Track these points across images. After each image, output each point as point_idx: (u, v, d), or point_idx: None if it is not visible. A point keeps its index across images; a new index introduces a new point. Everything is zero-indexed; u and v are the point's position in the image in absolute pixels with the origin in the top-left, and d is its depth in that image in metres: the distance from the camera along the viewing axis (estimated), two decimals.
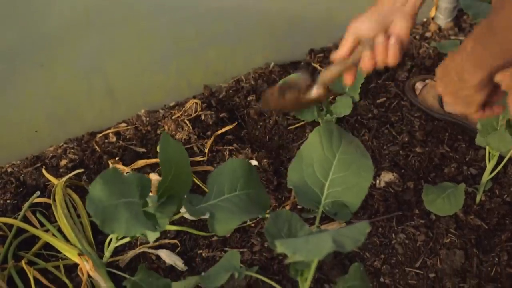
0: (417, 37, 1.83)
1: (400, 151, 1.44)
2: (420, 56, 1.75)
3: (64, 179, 1.32)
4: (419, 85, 1.58)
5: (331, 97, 1.45)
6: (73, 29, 1.42)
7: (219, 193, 1.06)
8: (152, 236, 0.99)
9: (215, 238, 1.26)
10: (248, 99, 1.62)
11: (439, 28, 1.87)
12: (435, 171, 1.40)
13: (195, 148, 1.48)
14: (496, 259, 1.21)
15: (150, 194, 1.02)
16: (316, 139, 1.06)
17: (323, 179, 1.05)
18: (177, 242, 1.25)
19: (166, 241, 1.25)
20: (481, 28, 0.84)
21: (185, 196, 1.06)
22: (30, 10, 1.34)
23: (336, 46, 1.76)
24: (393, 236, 1.26)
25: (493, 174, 1.26)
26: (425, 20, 1.92)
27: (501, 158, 1.22)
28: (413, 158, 1.42)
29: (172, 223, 1.24)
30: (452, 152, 1.44)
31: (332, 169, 1.06)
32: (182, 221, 1.27)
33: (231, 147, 1.46)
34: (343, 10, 1.75)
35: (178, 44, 1.60)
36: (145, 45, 1.55)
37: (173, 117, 1.56)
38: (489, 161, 1.24)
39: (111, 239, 1.13)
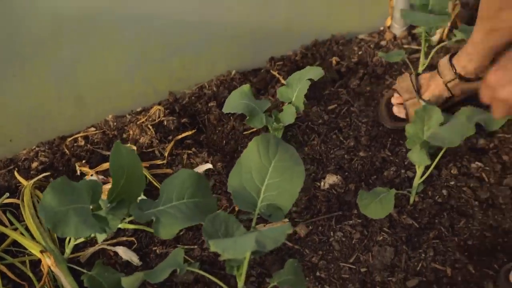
0: (372, 45, 1.95)
1: (345, 155, 1.56)
2: (373, 64, 1.86)
3: (32, 181, 1.44)
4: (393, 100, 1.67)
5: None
6: (45, 40, 1.53)
7: (168, 200, 1.18)
8: (100, 237, 1.11)
9: None
10: (210, 105, 1.73)
11: (394, 37, 1.98)
12: (376, 174, 1.52)
13: (157, 152, 1.60)
14: (423, 255, 1.33)
15: (104, 198, 1.14)
16: (254, 148, 1.18)
17: (259, 184, 1.17)
18: (134, 239, 1.37)
19: (124, 238, 1.38)
20: None
21: (137, 201, 1.19)
22: (2, 23, 1.45)
23: (295, 54, 1.89)
24: (332, 234, 1.38)
25: (423, 178, 1.39)
26: (381, 28, 2.04)
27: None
28: (357, 161, 1.54)
29: (131, 222, 1.36)
30: (392, 156, 1.55)
31: (268, 175, 1.17)
32: None
33: (189, 151, 1.58)
34: (300, 20, 1.88)
35: (145, 54, 1.71)
36: (113, 54, 1.66)
37: (138, 122, 1.67)
38: (418, 167, 1.37)
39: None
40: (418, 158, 1.29)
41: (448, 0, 1.64)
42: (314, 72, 1.46)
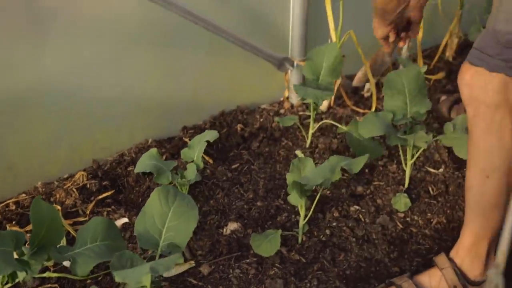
0: (272, 113, 2.26)
1: (245, 206, 1.82)
2: (272, 128, 2.16)
3: None
4: None
5: None
6: None
7: (83, 243, 1.40)
8: (21, 275, 1.31)
9: (89, 281, 1.58)
10: (128, 169, 1.97)
11: (292, 106, 2.30)
12: (270, 220, 1.77)
13: (80, 211, 1.81)
14: (308, 284, 1.57)
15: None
16: (156, 197, 1.42)
17: (161, 227, 1.41)
18: (57, 286, 1.56)
19: (49, 285, 1.56)
20: None
21: (57, 246, 1.40)
22: None
23: (205, 123, 2.17)
24: (231, 271, 1.61)
25: (306, 220, 1.65)
26: (281, 99, 2.36)
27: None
28: (255, 210, 1.80)
29: (54, 271, 1.55)
30: (285, 205, 1.82)
31: (168, 219, 1.41)
32: (63, 269, 1.58)
33: (109, 209, 1.80)
34: (208, 93, 2.18)
35: (71, 125, 1.94)
36: (43, 126, 1.88)
37: (64, 187, 1.89)
38: (301, 209, 1.64)
39: None
40: (295, 199, 1.56)
41: (335, 78, 1.98)
42: (211, 135, 1.74)
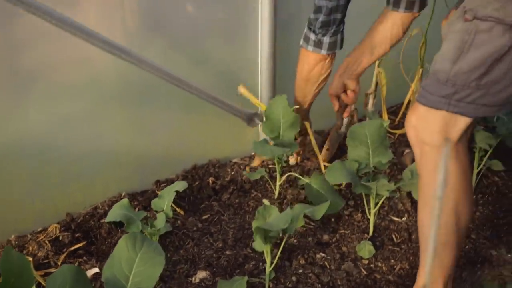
0: (242, 167, 2.34)
1: (214, 254, 1.87)
2: (242, 181, 2.24)
3: None
4: None
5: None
6: None
7: None
8: None
9: None
10: (101, 221, 2.01)
11: (262, 161, 2.39)
12: (239, 268, 1.82)
13: (52, 262, 1.84)
14: None
15: None
16: (123, 244, 1.47)
17: (128, 272, 1.44)
18: None
19: None
20: None
21: None
22: None
23: (177, 177, 2.23)
24: None
25: (272, 267, 1.70)
26: (252, 153, 2.44)
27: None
28: (223, 259, 1.85)
29: None
30: (253, 253, 1.87)
31: (135, 264, 1.45)
32: None
33: (80, 260, 1.83)
34: (181, 148, 2.26)
35: (45, 179, 1.99)
36: (15, 180, 1.93)
37: (37, 240, 1.93)
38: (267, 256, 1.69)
39: None
40: (259, 245, 1.62)
41: (295, 131, 2.08)
42: (180, 185, 1.82)
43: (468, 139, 1.93)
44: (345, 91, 2.14)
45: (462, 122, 1.42)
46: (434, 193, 1.44)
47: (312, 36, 1.91)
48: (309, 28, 1.92)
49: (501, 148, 2.35)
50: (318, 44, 1.91)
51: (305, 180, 2.03)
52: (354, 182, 1.84)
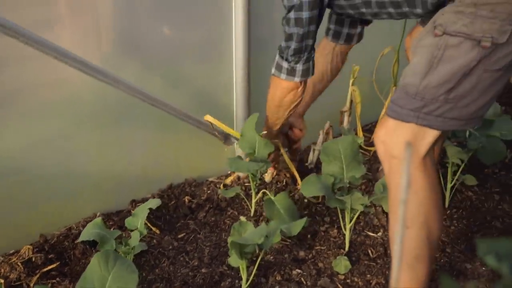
0: (219, 185, 2.34)
1: (190, 273, 1.85)
2: (218, 199, 2.23)
3: None
4: None
5: None
6: None
7: None
8: None
9: None
10: (75, 242, 1.99)
11: (238, 178, 2.39)
12: (215, 286, 1.80)
13: (24, 285, 1.81)
14: None
15: None
16: (96, 262, 1.46)
17: None
18: None
19: None
20: None
21: None
22: None
23: (153, 196, 2.22)
24: None
25: (248, 283, 1.69)
26: (229, 172, 2.44)
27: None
28: (199, 277, 1.83)
29: None
30: (229, 271, 1.86)
31: (107, 283, 1.44)
32: None
33: (53, 281, 1.81)
34: (156, 167, 2.25)
35: (18, 201, 1.97)
36: None
37: (9, 262, 1.89)
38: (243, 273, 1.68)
39: None
40: (234, 261, 1.61)
41: (269, 150, 2.10)
42: (154, 203, 1.81)
43: (439, 154, 1.96)
44: (291, 128, 2.26)
45: (430, 136, 1.44)
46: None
47: (285, 64, 1.86)
48: (281, 57, 1.87)
49: (474, 163, 2.39)
50: (291, 72, 1.87)
51: (271, 197, 2.03)
52: (328, 195, 1.85)
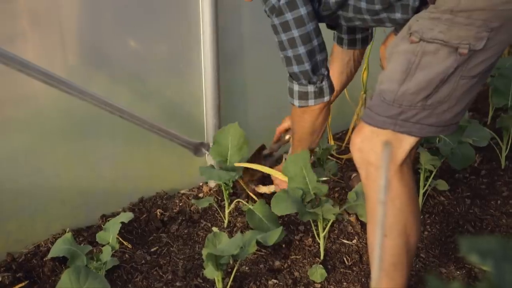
0: (191, 197, 2.30)
1: (164, 287, 1.81)
2: (191, 211, 2.20)
3: None
4: None
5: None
6: None
7: None
8: None
9: None
10: (44, 259, 1.93)
11: (210, 189, 2.36)
12: None
13: None
14: None
15: None
16: (67, 278, 1.41)
17: None
18: None
19: None
20: None
21: None
22: None
23: (124, 210, 2.18)
24: None
25: None
26: (201, 184, 2.41)
27: None
28: None
29: None
30: (204, 283, 1.83)
31: None
32: None
33: None
34: (127, 181, 2.20)
35: None
36: None
37: None
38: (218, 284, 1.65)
39: None
40: (210, 273, 1.58)
41: (241, 156, 2.08)
42: (125, 216, 1.77)
43: (413, 161, 1.97)
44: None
45: (407, 143, 1.44)
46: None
47: (311, 88, 1.73)
48: (301, 83, 1.73)
49: (444, 168, 2.41)
50: (319, 94, 1.75)
51: (248, 206, 2.01)
52: (300, 211, 1.81)
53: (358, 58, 2.13)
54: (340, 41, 2.07)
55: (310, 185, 1.89)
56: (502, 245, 0.53)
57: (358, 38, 2.05)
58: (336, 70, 2.09)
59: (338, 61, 2.11)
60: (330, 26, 2.02)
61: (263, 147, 2.29)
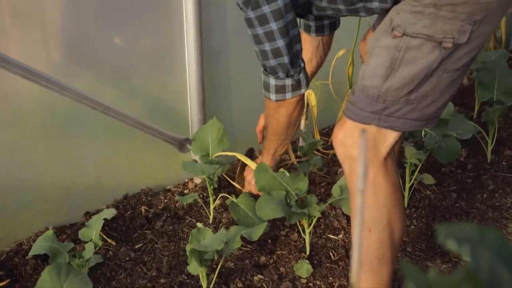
0: (176, 194, 2.28)
1: (148, 283, 1.79)
2: (176, 208, 2.18)
3: None
4: None
5: None
6: None
7: None
8: None
9: None
10: (27, 258, 1.90)
11: (195, 185, 2.34)
12: None
13: None
14: None
15: None
16: (47, 275, 1.38)
17: None
18: None
19: None
20: None
21: None
22: None
23: (108, 207, 2.15)
24: None
25: None
26: (186, 180, 2.39)
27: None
28: (158, 287, 1.77)
29: None
30: (189, 279, 1.81)
31: None
32: None
33: None
34: (110, 178, 2.18)
35: None
36: None
37: None
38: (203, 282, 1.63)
39: None
40: (194, 269, 1.56)
41: (223, 148, 2.07)
42: (108, 213, 1.74)
43: (397, 155, 1.96)
44: None
45: (391, 137, 1.42)
46: (365, 209, 1.43)
47: (288, 82, 1.68)
48: (278, 77, 1.68)
49: (430, 162, 2.41)
50: (297, 86, 1.71)
51: (232, 199, 1.99)
52: (287, 214, 1.78)
53: (327, 44, 2.07)
54: (307, 29, 2.01)
55: (290, 187, 1.87)
56: (478, 231, 0.52)
57: (325, 24, 1.99)
58: (305, 58, 2.05)
59: (306, 48, 2.04)
60: (298, 15, 1.98)
61: (251, 150, 2.27)
